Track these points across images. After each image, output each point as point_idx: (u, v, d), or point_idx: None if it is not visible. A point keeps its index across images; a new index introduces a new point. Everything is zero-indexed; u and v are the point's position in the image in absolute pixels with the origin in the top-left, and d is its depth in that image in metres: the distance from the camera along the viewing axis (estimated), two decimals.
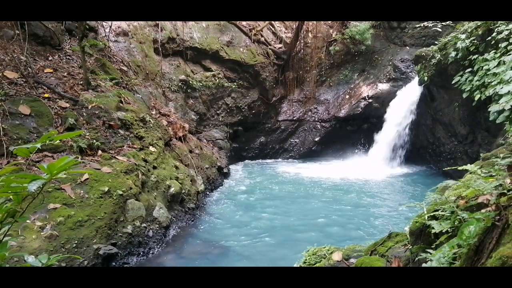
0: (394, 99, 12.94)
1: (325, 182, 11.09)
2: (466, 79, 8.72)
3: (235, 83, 13.57)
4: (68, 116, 6.86)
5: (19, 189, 1.48)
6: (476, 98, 8.16)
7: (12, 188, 1.47)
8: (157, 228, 6.59)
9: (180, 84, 12.17)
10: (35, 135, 6.36)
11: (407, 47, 14.02)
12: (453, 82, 9.20)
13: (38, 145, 1.53)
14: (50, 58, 8.16)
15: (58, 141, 6.24)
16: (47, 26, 8.29)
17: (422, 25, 12.92)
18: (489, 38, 8.25)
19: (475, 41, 8.78)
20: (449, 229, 2.55)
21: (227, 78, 13.42)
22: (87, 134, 6.85)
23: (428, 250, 2.54)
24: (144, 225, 6.34)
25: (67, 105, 7.13)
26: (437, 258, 2.25)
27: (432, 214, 2.86)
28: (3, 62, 7.10)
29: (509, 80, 6.19)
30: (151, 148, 7.80)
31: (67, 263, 4.82)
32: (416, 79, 12.16)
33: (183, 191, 7.91)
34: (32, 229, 5.05)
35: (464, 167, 2.93)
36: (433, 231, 2.61)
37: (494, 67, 7.50)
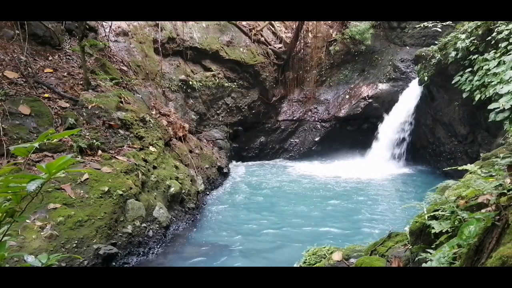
0: (399, 100, 12.95)
1: (325, 182, 11.09)
2: (466, 79, 8.72)
3: (235, 83, 13.57)
4: (68, 116, 6.85)
5: (18, 189, 1.48)
6: (476, 98, 8.16)
7: (11, 188, 1.47)
8: (157, 228, 6.58)
9: (180, 84, 12.17)
10: (35, 135, 6.35)
11: (407, 47, 14.02)
12: (453, 82, 9.20)
13: (36, 144, 1.53)
14: (50, 58, 8.15)
15: (58, 141, 6.25)
16: (47, 26, 8.29)
17: (422, 25, 12.90)
18: (489, 38, 8.25)
19: (475, 41, 8.77)
20: (449, 229, 2.55)
21: (227, 78, 13.42)
22: (87, 134, 6.84)
23: (428, 250, 2.54)
24: (144, 225, 6.34)
25: (67, 105, 7.12)
26: (437, 258, 2.25)
27: (432, 214, 2.86)
28: (3, 62, 7.10)
29: (509, 80, 6.19)
30: (151, 148, 7.80)
31: (67, 263, 4.82)
32: (416, 79, 12.17)
33: (183, 191, 7.91)
34: (32, 229, 5.05)
35: (464, 167, 2.93)
36: (433, 231, 2.61)
37: (494, 67, 7.50)
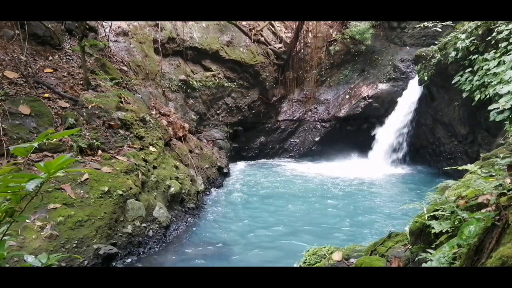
0: (399, 100, 12.94)
1: (325, 182, 11.08)
2: (466, 79, 8.72)
3: (235, 83, 13.57)
4: (68, 116, 6.85)
5: (17, 189, 1.47)
6: (476, 98, 8.17)
7: (10, 188, 1.47)
8: (157, 228, 6.58)
9: (180, 84, 12.17)
10: (35, 135, 6.35)
11: (407, 47, 14.01)
12: (453, 82, 9.20)
13: (35, 144, 1.53)
14: (50, 58, 8.15)
15: (58, 141, 6.25)
16: (47, 26, 8.28)
17: (422, 25, 12.90)
18: (489, 38, 8.25)
19: (475, 41, 8.78)
20: (449, 229, 2.55)
21: (227, 78, 13.41)
22: (87, 134, 6.84)
23: (428, 250, 2.54)
24: (144, 225, 6.34)
25: (67, 105, 7.12)
26: (437, 258, 2.25)
27: (432, 214, 2.86)
28: (3, 62, 7.10)
29: (509, 80, 6.19)
30: (151, 148, 7.80)
31: (67, 263, 4.82)
32: (416, 78, 12.17)
33: (183, 191, 7.91)
34: (32, 229, 5.05)
35: (464, 167, 2.93)
36: (433, 231, 2.61)
37: (494, 67, 7.51)
